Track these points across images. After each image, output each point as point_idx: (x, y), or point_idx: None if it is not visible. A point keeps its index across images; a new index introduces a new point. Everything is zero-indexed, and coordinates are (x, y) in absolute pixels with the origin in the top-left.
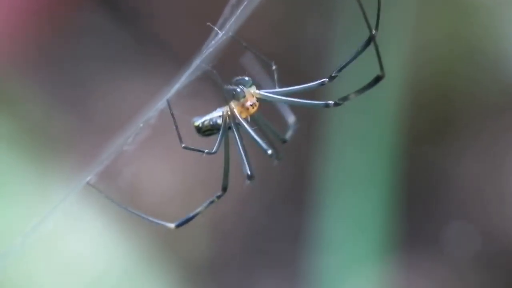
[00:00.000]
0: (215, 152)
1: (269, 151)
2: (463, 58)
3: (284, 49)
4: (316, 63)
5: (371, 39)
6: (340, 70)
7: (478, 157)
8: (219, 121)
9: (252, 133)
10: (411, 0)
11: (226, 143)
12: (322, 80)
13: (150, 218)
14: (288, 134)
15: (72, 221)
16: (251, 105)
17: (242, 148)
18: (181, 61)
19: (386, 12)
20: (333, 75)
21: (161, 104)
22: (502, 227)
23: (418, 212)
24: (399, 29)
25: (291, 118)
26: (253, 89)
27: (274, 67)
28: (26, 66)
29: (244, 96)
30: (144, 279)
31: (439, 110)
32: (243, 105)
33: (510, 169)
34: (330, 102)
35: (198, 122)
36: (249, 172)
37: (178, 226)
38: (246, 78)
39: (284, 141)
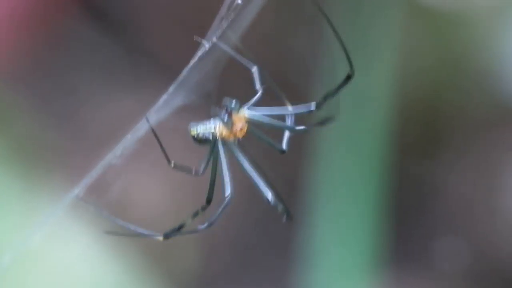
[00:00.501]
0: (201, 174)
1: (269, 197)
2: (452, 70)
3: (274, 61)
4: (306, 76)
5: (350, 76)
6: (325, 98)
7: (468, 170)
8: (210, 137)
9: (246, 165)
10: (398, 11)
11: (215, 157)
12: (310, 108)
13: (140, 230)
14: (285, 144)
15: (61, 235)
16: (239, 129)
17: (226, 169)
18: (174, 72)
19: (373, 24)
20: (319, 102)
21: (145, 119)
22: (492, 241)
23: (407, 225)
24: (387, 41)
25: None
26: (242, 112)
27: (254, 69)
28: (15, 76)
29: (232, 123)
30: None
31: (428, 122)
32: (231, 130)
33: (500, 181)
34: (312, 108)
35: (194, 130)
36: (227, 194)
37: (166, 237)
38: (233, 103)
39: (282, 152)
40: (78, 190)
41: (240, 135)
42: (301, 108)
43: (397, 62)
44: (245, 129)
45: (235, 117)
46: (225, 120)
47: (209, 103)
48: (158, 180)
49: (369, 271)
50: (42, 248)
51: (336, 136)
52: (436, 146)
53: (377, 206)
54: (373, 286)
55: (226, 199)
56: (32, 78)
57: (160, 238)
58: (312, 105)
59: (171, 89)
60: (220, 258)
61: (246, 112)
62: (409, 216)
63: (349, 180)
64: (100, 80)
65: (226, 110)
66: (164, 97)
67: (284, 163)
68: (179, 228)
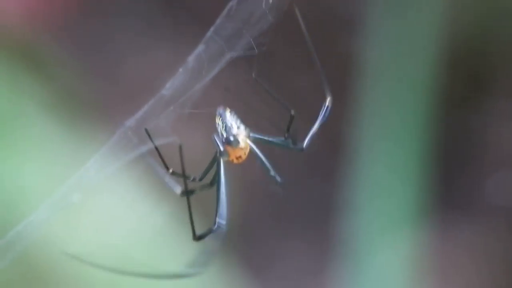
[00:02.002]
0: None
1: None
2: (502, 20)
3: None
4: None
5: (327, 107)
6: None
7: None
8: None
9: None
10: None
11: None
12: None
13: (166, 178)
14: (306, 141)
15: (103, 181)
16: (237, 157)
17: (222, 192)
18: (209, 23)
19: None
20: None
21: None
22: None
23: (454, 174)
24: None
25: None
26: (242, 142)
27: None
28: (59, 28)
29: (229, 155)
30: (175, 236)
31: (476, 74)
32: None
33: None
34: (299, 147)
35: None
36: (220, 222)
37: (182, 194)
38: (231, 139)
39: (301, 150)
40: (127, 125)
41: (237, 161)
42: (290, 144)
43: (446, 12)
44: (244, 157)
45: (231, 149)
46: (221, 149)
47: (227, 93)
48: (200, 128)
49: (414, 222)
50: (86, 193)
51: (382, 89)
52: (483, 94)
53: (424, 154)
54: (417, 237)
55: (216, 227)
56: (75, 29)
57: (178, 192)
58: (299, 145)
59: (207, 36)
60: (259, 209)
61: (248, 141)
62: (456, 164)
63: (397, 130)
64: (139, 29)
65: (226, 139)
66: (201, 47)
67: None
68: (190, 192)
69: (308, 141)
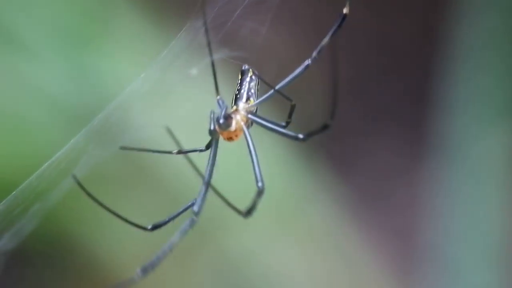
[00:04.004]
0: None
1: (259, 184)
2: None
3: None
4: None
5: (327, 126)
6: (309, 135)
7: None
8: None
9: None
10: None
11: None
12: (298, 136)
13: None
14: (315, 53)
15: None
16: (228, 138)
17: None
18: None
19: None
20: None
21: None
22: None
23: None
24: None
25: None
26: (236, 125)
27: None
28: None
29: (228, 126)
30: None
31: None
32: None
33: None
34: (300, 136)
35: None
36: (195, 209)
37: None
38: (221, 121)
39: (325, 127)
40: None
41: (233, 138)
42: (290, 133)
43: None
44: (236, 139)
45: (222, 130)
46: (211, 128)
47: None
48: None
49: (507, 118)
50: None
51: None
52: None
53: None
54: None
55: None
56: None
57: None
58: (300, 135)
59: None
60: (353, 104)
61: (242, 123)
62: None
63: (493, 29)
64: None
65: (217, 120)
66: None
67: (425, 11)
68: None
69: (316, 53)
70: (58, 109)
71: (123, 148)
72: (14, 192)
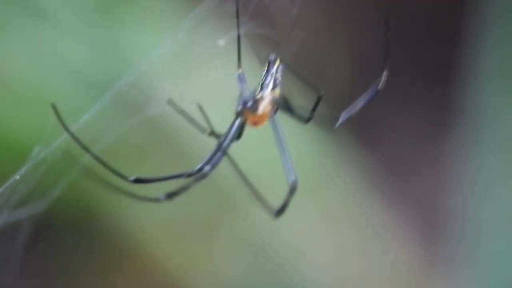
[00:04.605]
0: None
1: (292, 179)
2: None
3: None
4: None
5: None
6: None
7: None
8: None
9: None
10: None
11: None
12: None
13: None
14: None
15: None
16: (254, 122)
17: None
18: None
19: None
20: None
21: None
22: None
23: None
24: None
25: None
26: (262, 110)
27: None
28: None
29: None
30: None
31: None
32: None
33: None
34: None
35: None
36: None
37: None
38: (249, 104)
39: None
40: None
41: (254, 125)
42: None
43: None
44: (261, 124)
45: (249, 113)
46: (238, 110)
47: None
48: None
49: None
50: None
51: None
52: None
53: None
54: None
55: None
56: None
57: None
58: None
59: None
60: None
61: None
62: None
63: None
64: None
65: (244, 102)
66: None
67: None
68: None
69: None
70: (79, 76)
71: (170, 102)
72: (35, 158)
